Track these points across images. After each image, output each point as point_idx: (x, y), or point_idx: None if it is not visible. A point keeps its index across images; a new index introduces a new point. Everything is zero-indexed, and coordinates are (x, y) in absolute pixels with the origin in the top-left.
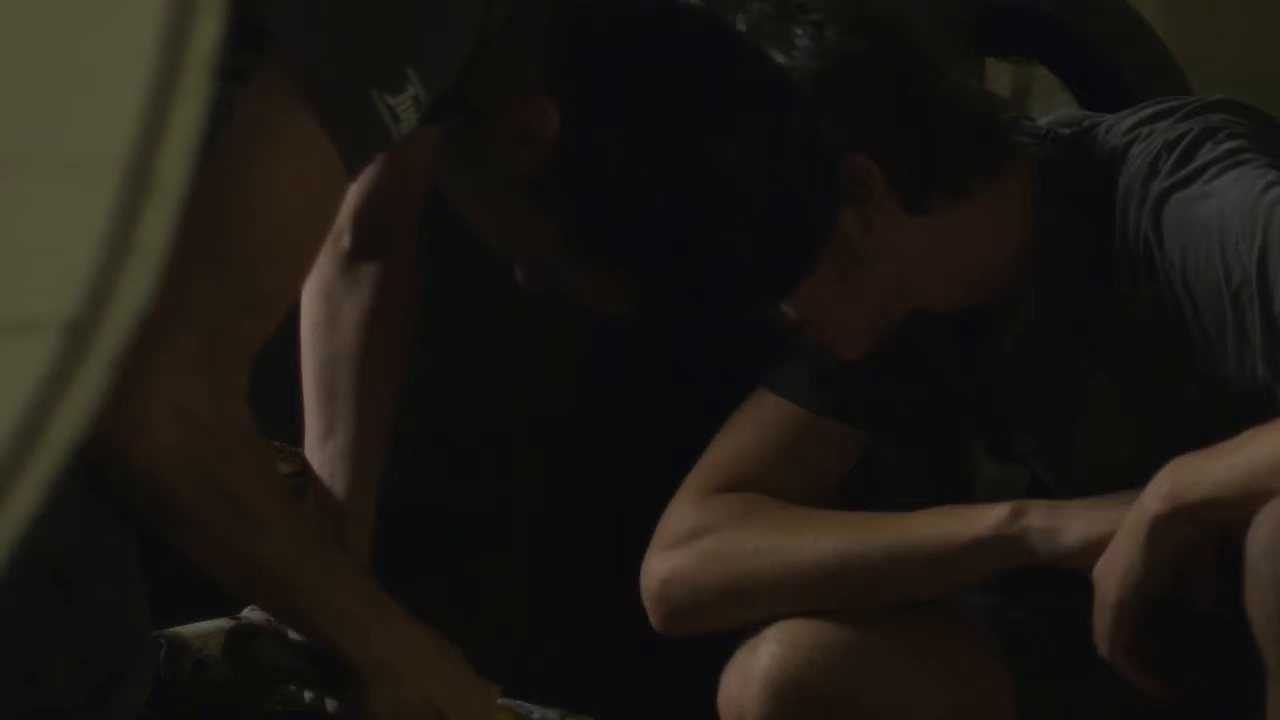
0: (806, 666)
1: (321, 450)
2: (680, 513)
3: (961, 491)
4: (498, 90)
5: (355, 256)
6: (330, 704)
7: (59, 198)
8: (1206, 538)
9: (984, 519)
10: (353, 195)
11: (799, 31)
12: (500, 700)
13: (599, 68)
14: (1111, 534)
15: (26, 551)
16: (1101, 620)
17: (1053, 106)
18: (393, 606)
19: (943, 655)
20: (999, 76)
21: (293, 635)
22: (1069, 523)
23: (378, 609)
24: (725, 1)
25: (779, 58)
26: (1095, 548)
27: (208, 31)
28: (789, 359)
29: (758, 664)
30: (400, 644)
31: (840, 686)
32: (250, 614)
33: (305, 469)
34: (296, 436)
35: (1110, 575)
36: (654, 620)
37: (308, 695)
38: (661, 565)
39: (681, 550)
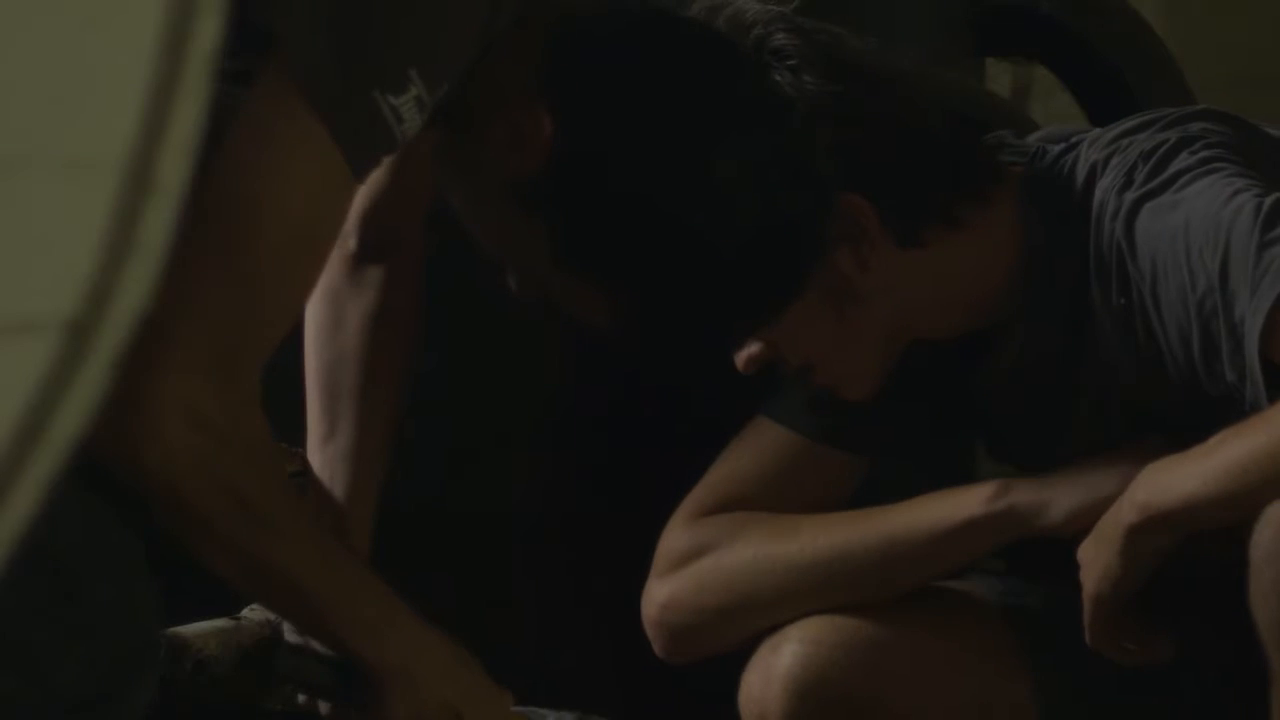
0: (829, 665)
1: (323, 452)
2: (673, 537)
3: None
4: (494, 95)
5: (361, 259)
6: (324, 707)
7: (59, 198)
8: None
9: (972, 498)
10: (360, 197)
11: (777, 79)
12: (514, 709)
13: (595, 77)
14: (1094, 502)
15: (28, 551)
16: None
17: (1053, 106)
18: (407, 611)
19: (963, 651)
20: (999, 76)
21: (299, 641)
22: (1053, 494)
23: (392, 614)
24: None
25: None
26: (1081, 517)
27: (208, 32)
28: (788, 384)
29: (780, 662)
30: (416, 649)
31: (862, 684)
32: (250, 613)
33: (306, 469)
34: (299, 438)
35: (1090, 569)
36: (658, 648)
37: (301, 698)
38: (660, 591)
39: (679, 574)
